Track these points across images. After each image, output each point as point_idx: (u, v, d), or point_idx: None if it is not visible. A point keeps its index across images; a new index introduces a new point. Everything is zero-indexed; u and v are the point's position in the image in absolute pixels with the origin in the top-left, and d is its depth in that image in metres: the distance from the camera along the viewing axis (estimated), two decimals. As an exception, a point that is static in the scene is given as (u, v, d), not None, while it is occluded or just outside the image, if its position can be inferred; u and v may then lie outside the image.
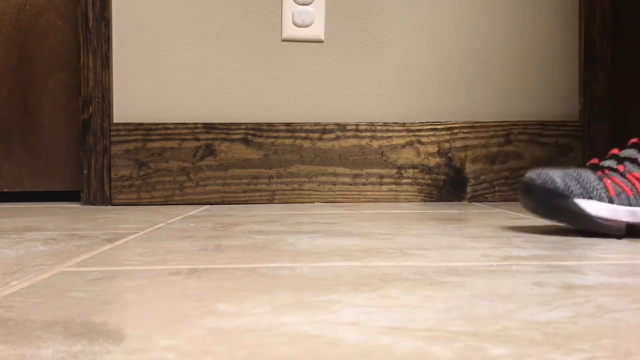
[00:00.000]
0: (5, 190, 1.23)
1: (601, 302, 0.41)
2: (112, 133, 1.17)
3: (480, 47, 1.22)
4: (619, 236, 0.70)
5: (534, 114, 1.22)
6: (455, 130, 1.19)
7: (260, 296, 0.44)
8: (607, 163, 0.74)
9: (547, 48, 1.22)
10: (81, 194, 1.18)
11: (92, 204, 1.17)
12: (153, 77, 1.19)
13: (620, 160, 0.73)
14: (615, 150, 0.76)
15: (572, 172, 0.72)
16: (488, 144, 1.19)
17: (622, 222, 0.69)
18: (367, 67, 1.13)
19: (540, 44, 1.22)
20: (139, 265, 0.56)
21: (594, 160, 0.76)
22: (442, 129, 1.19)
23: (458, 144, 1.19)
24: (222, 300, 0.42)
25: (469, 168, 1.19)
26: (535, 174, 0.72)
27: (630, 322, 0.37)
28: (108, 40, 1.17)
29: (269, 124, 1.18)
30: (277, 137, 1.18)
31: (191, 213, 1.01)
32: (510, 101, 1.22)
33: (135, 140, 1.17)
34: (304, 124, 1.18)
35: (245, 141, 1.18)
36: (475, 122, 1.19)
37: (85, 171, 1.17)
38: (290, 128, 1.18)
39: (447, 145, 1.19)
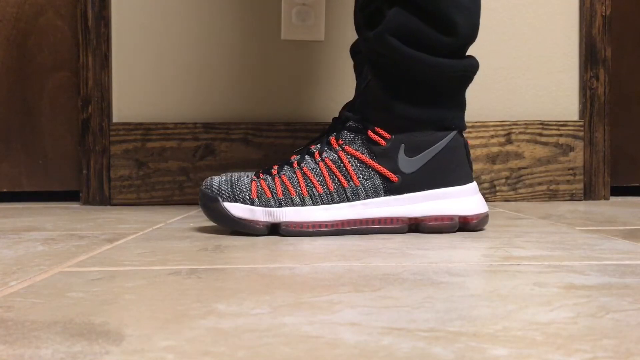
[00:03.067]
0: (4, 190, 1.23)
1: (602, 303, 0.41)
2: (112, 133, 1.17)
3: (480, 46, 1.22)
4: (261, 234, 0.75)
5: (534, 113, 1.22)
6: (455, 130, 1.19)
7: (260, 296, 0.43)
8: (274, 167, 0.80)
9: (547, 47, 1.22)
10: (80, 194, 1.18)
11: (92, 204, 1.17)
12: (152, 77, 1.19)
13: (282, 164, 0.79)
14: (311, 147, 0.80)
15: (235, 176, 0.78)
16: (489, 144, 1.19)
17: (260, 221, 0.75)
18: (367, 66, 1.13)
19: (540, 44, 1.22)
20: (139, 265, 0.56)
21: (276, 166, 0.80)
22: (442, 129, 1.18)
23: (458, 143, 1.19)
24: (221, 300, 0.42)
25: (469, 168, 1.19)
26: (205, 181, 0.78)
27: (631, 322, 0.37)
28: (107, 40, 1.17)
29: (269, 124, 1.18)
30: (277, 137, 1.18)
31: (191, 213, 1.01)
32: (511, 101, 1.22)
33: (134, 140, 1.17)
34: (304, 123, 1.18)
35: (245, 141, 1.18)
36: (476, 122, 1.19)
37: (84, 171, 1.17)
38: (290, 128, 1.18)
39: (447, 145, 1.18)
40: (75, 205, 1.17)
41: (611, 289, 0.45)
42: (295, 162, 0.79)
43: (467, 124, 1.19)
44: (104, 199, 1.17)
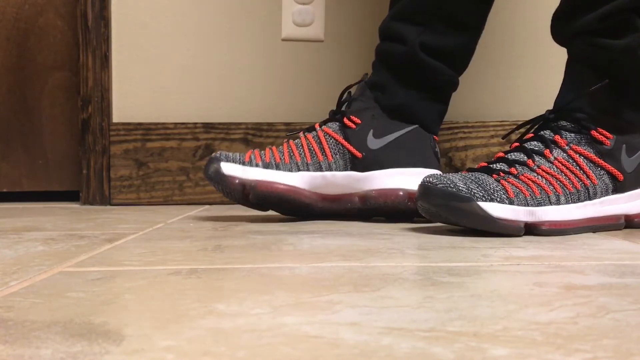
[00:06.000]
0: (4, 190, 1.23)
1: (602, 303, 0.41)
2: (112, 133, 1.17)
3: (480, 46, 1.22)
4: (517, 235, 0.73)
5: (534, 113, 1.22)
6: (456, 130, 1.19)
7: (260, 296, 0.43)
8: (498, 166, 0.78)
9: (547, 47, 1.22)
10: (80, 194, 1.18)
11: (92, 204, 1.17)
12: (152, 77, 1.19)
13: (511, 163, 0.78)
14: (501, 154, 0.80)
15: (470, 175, 0.75)
16: (489, 144, 1.19)
17: (521, 221, 0.73)
18: (368, 66, 1.12)
19: (540, 44, 1.22)
20: (139, 265, 0.56)
21: (483, 164, 0.79)
22: (442, 129, 1.18)
23: (458, 143, 1.19)
24: (221, 300, 0.42)
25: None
26: (436, 178, 0.74)
27: (631, 322, 0.37)
28: (107, 40, 1.17)
29: (269, 124, 1.18)
30: (277, 137, 1.18)
31: (191, 213, 1.01)
32: (511, 101, 1.22)
33: (134, 140, 1.17)
34: (304, 123, 1.18)
35: (245, 141, 1.18)
36: (476, 122, 1.19)
37: (84, 171, 1.17)
38: (290, 128, 1.18)
39: (447, 145, 1.19)
40: (75, 205, 1.17)
41: (611, 289, 0.45)
42: (531, 161, 0.77)
43: (466, 124, 1.19)
44: (103, 199, 1.17)
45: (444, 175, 0.74)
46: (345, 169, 0.89)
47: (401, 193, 0.87)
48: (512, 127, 1.20)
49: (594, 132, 0.79)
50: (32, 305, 0.41)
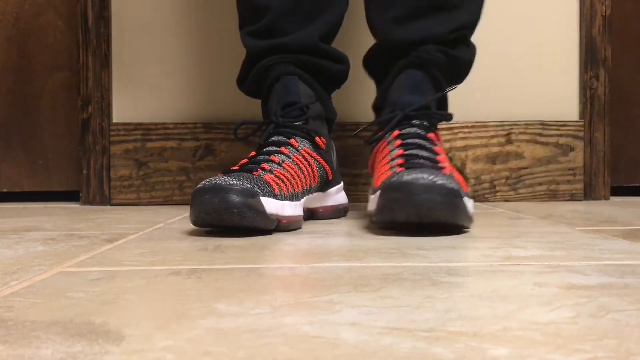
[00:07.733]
0: (4, 190, 1.23)
1: (602, 303, 0.41)
2: (112, 133, 1.17)
3: (480, 46, 1.22)
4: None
5: (534, 113, 1.22)
6: (456, 130, 1.19)
7: (260, 296, 0.43)
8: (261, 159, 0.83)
9: (547, 47, 1.22)
10: (80, 194, 1.18)
11: (91, 204, 1.17)
12: (152, 77, 1.19)
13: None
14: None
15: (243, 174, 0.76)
16: (489, 144, 1.19)
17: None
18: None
19: (540, 44, 1.22)
20: (139, 265, 0.56)
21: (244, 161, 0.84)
22: (442, 129, 1.18)
23: (459, 143, 1.19)
24: (222, 300, 0.42)
25: (470, 168, 1.19)
26: (210, 183, 0.73)
27: (632, 322, 0.37)
28: (107, 40, 1.17)
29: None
30: (276, 137, 1.17)
31: (191, 213, 1.01)
32: (511, 101, 1.22)
33: (134, 140, 1.17)
34: (304, 123, 1.18)
35: (246, 141, 1.17)
36: (476, 122, 1.19)
37: (84, 171, 1.17)
38: (290, 128, 1.18)
39: (447, 145, 1.18)
40: (75, 205, 1.17)
41: (611, 289, 0.45)
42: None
43: (466, 124, 1.19)
44: (103, 199, 1.17)
45: (219, 177, 0.73)
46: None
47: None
48: (512, 127, 1.20)
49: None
50: (32, 305, 0.41)
